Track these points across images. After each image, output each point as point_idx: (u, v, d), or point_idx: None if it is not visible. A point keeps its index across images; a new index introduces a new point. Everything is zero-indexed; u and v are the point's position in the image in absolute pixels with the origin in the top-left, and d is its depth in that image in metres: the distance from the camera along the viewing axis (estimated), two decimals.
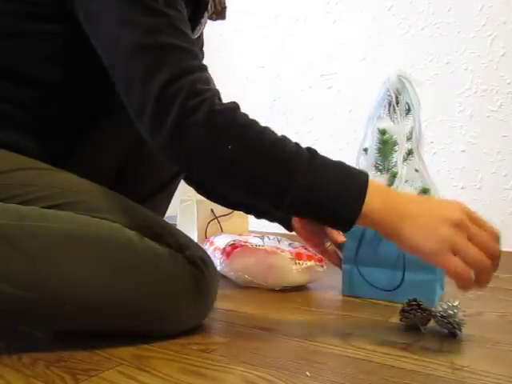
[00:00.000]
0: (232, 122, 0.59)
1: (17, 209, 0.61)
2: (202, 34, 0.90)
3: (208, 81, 0.61)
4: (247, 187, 0.61)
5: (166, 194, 0.92)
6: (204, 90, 0.59)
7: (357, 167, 0.94)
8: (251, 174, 0.59)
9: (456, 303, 0.66)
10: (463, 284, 0.56)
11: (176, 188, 0.95)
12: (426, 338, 0.68)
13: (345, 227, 0.59)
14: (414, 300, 0.70)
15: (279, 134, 0.66)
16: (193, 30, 0.77)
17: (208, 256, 0.71)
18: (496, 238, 0.59)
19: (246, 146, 0.59)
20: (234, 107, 0.61)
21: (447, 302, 0.67)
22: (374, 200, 0.57)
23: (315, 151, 0.62)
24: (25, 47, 0.67)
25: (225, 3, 0.84)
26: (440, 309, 0.67)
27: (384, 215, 0.58)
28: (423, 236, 0.56)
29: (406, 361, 0.59)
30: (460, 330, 0.67)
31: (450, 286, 1.01)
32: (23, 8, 0.65)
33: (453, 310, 0.66)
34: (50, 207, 0.63)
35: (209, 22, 0.85)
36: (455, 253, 0.55)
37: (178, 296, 0.65)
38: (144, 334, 0.65)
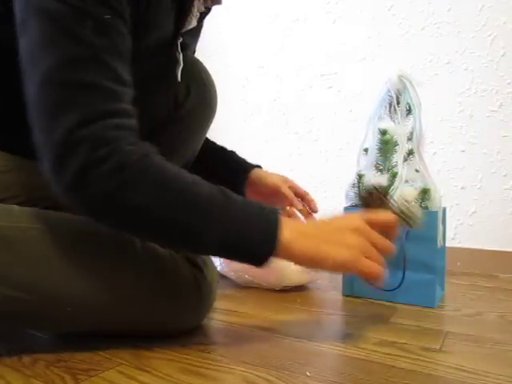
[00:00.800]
0: (143, 173, 0.54)
1: (16, 210, 0.61)
2: (201, 24, 0.83)
3: (123, 126, 0.55)
4: (163, 236, 0.57)
5: None
6: (115, 137, 0.53)
7: (357, 167, 0.95)
8: (166, 224, 0.55)
9: (413, 201, 0.66)
10: (377, 280, 0.60)
11: None
12: (426, 337, 0.68)
13: (261, 265, 0.58)
14: (375, 188, 0.69)
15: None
16: (184, 20, 0.72)
17: (208, 256, 0.71)
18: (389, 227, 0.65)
19: (158, 196, 0.54)
20: (146, 154, 0.55)
21: (406, 199, 0.68)
22: (287, 236, 0.57)
23: (228, 192, 0.58)
24: None
25: None
26: (399, 203, 0.68)
27: (297, 249, 0.58)
28: (337, 252, 0.58)
29: (406, 361, 0.59)
30: (411, 226, 0.66)
31: (450, 286, 1.01)
32: None
33: (410, 207, 0.66)
34: (48, 208, 0.63)
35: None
36: (366, 255, 0.59)
37: (178, 296, 0.65)
38: (144, 334, 0.65)
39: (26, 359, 0.59)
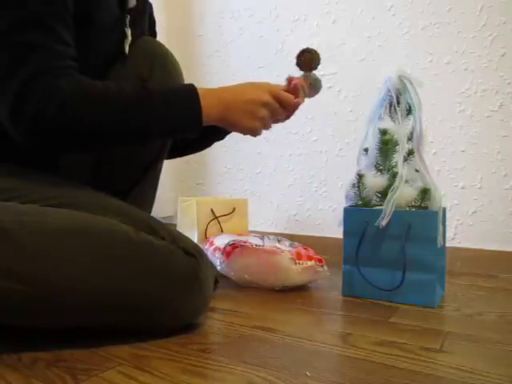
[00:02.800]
0: (77, 106, 0.64)
1: (15, 205, 0.62)
2: (146, 5, 0.91)
3: (65, 75, 0.64)
4: (112, 144, 0.70)
5: (150, 180, 0.92)
6: (59, 85, 0.63)
7: (357, 167, 0.95)
8: (112, 134, 0.67)
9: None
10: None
11: (159, 172, 0.95)
12: (426, 337, 0.68)
13: (195, 134, 0.75)
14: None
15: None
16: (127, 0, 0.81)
17: (200, 248, 0.72)
18: (289, 105, 0.82)
19: (97, 117, 0.65)
20: (76, 88, 0.64)
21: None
22: (209, 109, 0.73)
23: (147, 86, 0.70)
24: None
25: None
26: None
27: (218, 116, 0.75)
28: (245, 123, 0.77)
29: (406, 361, 0.59)
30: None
31: (450, 286, 1.01)
32: None
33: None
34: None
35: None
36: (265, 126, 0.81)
37: (177, 286, 0.66)
38: (146, 327, 0.66)
39: (26, 359, 0.59)
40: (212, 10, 1.75)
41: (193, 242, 0.71)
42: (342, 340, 0.67)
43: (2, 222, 0.58)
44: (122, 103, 0.67)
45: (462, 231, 1.27)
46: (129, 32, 0.82)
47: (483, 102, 1.24)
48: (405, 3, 1.35)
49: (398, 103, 0.90)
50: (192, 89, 0.72)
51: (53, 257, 0.59)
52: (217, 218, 1.37)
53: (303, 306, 0.86)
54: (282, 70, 1.59)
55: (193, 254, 0.68)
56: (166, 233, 0.68)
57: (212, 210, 1.38)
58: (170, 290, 0.65)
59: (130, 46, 0.82)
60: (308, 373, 0.55)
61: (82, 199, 0.68)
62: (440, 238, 0.85)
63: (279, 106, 0.80)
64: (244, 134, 0.80)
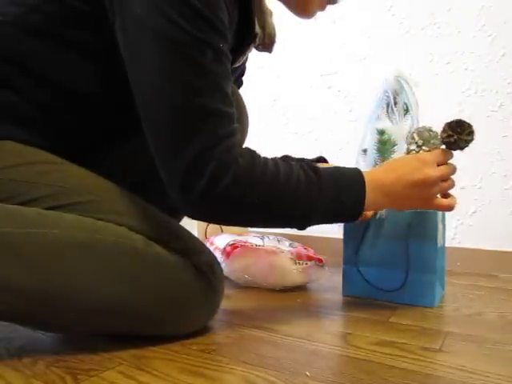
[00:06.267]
0: (251, 182, 0.61)
1: (21, 214, 0.59)
2: (245, 60, 0.89)
3: (234, 144, 0.60)
4: (272, 225, 0.70)
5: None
6: (229, 158, 0.59)
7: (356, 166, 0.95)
8: (277, 215, 0.65)
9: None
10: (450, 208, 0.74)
11: None
12: (426, 337, 0.68)
13: (355, 220, 0.71)
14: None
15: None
16: (237, 59, 0.76)
17: (216, 261, 0.71)
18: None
19: (268, 196, 0.62)
20: (251, 163, 0.61)
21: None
22: (370, 205, 0.69)
23: (317, 169, 0.66)
24: (56, 50, 0.64)
25: (275, 37, 0.82)
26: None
27: (377, 208, 0.77)
28: (413, 206, 0.75)
29: (406, 361, 0.59)
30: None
31: (450, 286, 1.01)
32: (63, 11, 0.62)
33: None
34: (53, 208, 0.62)
35: None
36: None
37: (182, 302, 0.64)
38: (149, 335, 0.65)
39: (26, 359, 0.59)
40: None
41: (208, 255, 0.69)
42: (342, 340, 0.67)
43: (9, 236, 0.56)
44: (293, 185, 0.63)
45: (462, 231, 1.27)
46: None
47: (483, 102, 1.24)
48: (405, 3, 1.35)
49: (395, 103, 0.90)
50: (360, 181, 0.68)
51: (53, 269, 0.57)
52: None
53: (303, 306, 0.86)
54: (282, 71, 1.59)
55: (203, 270, 0.66)
56: (180, 244, 0.65)
57: None
58: (173, 305, 0.64)
59: None
60: (308, 373, 0.55)
61: (96, 198, 0.65)
62: (440, 237, 0.85)
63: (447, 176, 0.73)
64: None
